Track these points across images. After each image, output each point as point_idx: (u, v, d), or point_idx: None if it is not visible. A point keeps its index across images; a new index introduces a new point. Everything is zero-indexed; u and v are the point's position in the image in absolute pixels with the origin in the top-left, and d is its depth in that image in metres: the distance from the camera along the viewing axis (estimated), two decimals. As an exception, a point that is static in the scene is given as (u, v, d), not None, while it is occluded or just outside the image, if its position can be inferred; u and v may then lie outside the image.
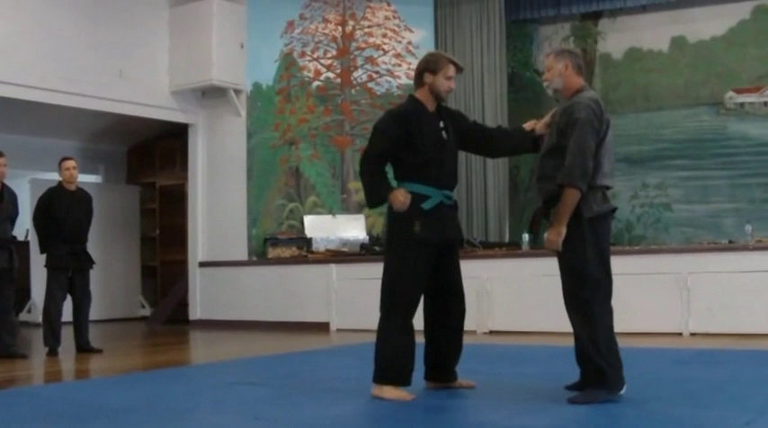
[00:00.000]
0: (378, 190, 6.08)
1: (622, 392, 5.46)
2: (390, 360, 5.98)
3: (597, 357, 5.46)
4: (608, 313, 5.65)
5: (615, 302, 10.08)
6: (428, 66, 6.16)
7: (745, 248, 10.46)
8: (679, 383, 6.30)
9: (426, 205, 5.97)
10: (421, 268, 5.98)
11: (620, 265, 10.70)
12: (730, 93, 13.40)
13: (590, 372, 5.55)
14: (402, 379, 5.97)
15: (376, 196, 6.10)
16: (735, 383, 6.17)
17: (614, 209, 5.75)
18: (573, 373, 5.78)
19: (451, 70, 6.15)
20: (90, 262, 10.22)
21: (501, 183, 13.75)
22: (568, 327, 8.60)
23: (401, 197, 5.93)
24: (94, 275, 10.60)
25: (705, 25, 13.57)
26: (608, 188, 5.70)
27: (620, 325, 10.40)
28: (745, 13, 13.30)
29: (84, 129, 15.14)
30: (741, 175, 13.20)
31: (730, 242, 11.33)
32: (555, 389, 5.98)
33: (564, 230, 5.55)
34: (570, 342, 5.76)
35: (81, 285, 10.07)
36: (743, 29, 13.37)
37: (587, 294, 5.61)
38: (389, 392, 5.91)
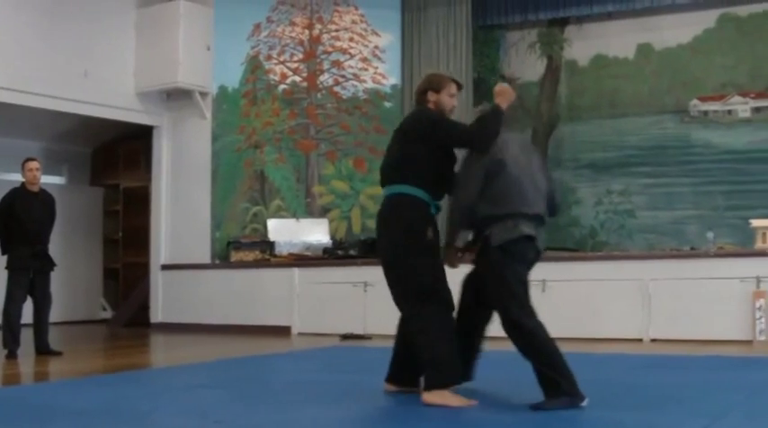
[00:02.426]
0: None
1: (584, 404, 5.45)
2: (449, 361, 5.82)
3: (548, 370, 5.48)
4: (540, 326, 5.78)
5: (578, 307, 10.15)
6: (431, 86, 6.18)
7: (707, 255, 10.50)
8: (637, 389, 6.31)
9: (432, 211, 6.04)
10: (443, 270, 6.01)
11: (582, 271, 10.86)
12: (695, 101, 13.48)
13: (546, 385, 5.54)
14: (456, 381, 5.87)
15: None
16: (692, 389, 6.20)
17: (528, 236, 5.78)
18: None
19: (454, 88, 6.19)
20: (51, 264, 10.14)
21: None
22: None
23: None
24: (56, 277, 10.51)
25: (671, 33, 13.66)
26: (524, 215, 5.79)
27: (582, 330, 10.54)
28: (711, 21, 13.40)
29: (47, 130, 15.03)
30: (704, 183, 13.28)
31: (692, 249, 11.38)
32: (508, 395, 6.00)
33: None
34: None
35: (42, 287, 9.99)
36: (708, 37, 13.46)
37: (515, 312, 5.69)
38: (453, 399, 5.71)
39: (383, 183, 6.14)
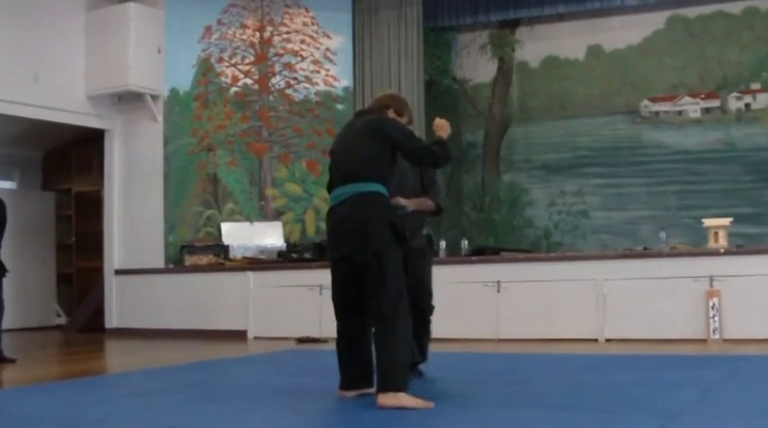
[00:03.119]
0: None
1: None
2: (406, 364, 5.86)
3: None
4: None
5: (533, 308, 10.21)
6: (395, 107, 6.51)
7: (660, 255, 10.57)
8: (591, 389, 6.33)
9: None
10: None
11: (537, 272, 10.92)
12: (645, 102, 13.59)
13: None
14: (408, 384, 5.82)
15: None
16: (647, 388, 6.22)
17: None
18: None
19: (407, 118, 6.57)
20: (3, 270, 10.04)
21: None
22: (488, 333, 8.73)
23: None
24: (8, 283, 10.39)
25: (621, 34, 13.76)
26: None
27: (537, 331, 10.61)
28: (660, 23, 13.52)
29: (-3, 135, 14.94)
30: (657, 183, 13.39)
31: (645, 249, 11.45)
32: (468, 394, 6.02)
33: None
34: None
35: (-7, 293, 9.91)
36: (658, 38, 13.57)
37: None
38: (409, 400, 5.63)
39: (346, 181, 6.04)
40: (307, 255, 12.70)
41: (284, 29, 14.32)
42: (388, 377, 5.65)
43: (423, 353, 7.07)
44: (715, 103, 13.26)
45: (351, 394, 6.14)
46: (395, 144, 6.08)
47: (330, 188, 6.25)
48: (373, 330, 5.86)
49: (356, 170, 6.04)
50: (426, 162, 6.40)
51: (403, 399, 5.59)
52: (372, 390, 5.95)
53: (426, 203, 7.03)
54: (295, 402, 6.22)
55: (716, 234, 10.48)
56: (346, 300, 6.15)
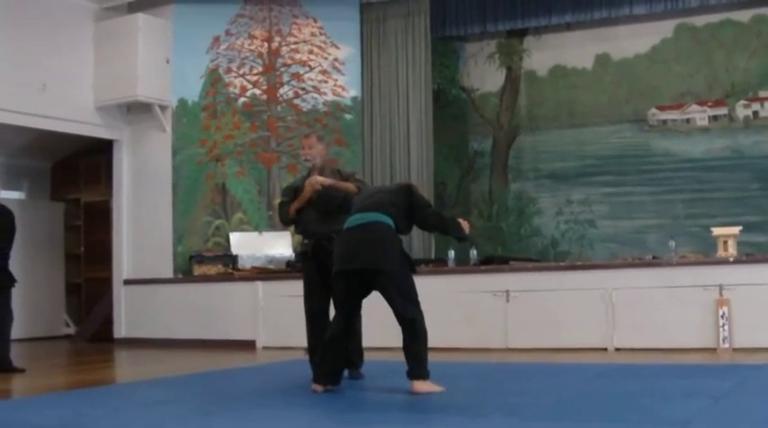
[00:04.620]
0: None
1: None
2: (427, 358, 6.84)
3: None
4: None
5: (541, 317, 10.21)
6: None
7: (669, 264, 10.56)
8: (600, 398, 6.33)
9: None
10: None
11: (545, 281, 10.90)
12: (653, 110, 13.56)
13: None
14: None
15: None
16: (656, 397, 6.22)
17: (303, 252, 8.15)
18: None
19: None
20: (11, 279, 10.06)
21: (427, 199, 13.74)
22: (497, 343, 8.68)
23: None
24: (17, 293, 10.43)
25: (628, 43, 13.74)
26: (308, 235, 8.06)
27: (545, 340, 10.60)
28: (668, 31, 13.48)
29: (6, 145, 14.94)
30: (664, 192, 13.35)
31: (654, 258, 11.43)
32: (477, 404, 6.03)
33: None
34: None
35: (2, 303, 9.90)
36: (665, 47, 13.55)
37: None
38: (434, 386, 6.74)
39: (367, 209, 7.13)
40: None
41: (292, 39, 14.33)
42: (419, 368, 6.71)
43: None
44: (723, 111, 13.23)
45: (321, 388, 7.01)
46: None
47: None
48: (403, 331, 6.84)
49: (381, 205, 7.15)
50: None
51: (430, 386, 6.70)
52: (337, 387, 7.09)
53: (347, 186, 7.95)
54: (304, 411, 6.26)
55: (725, 242, 10.46)
56: (348, 308, 7.08)
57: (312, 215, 7.96)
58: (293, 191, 8.12)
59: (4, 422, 6.13)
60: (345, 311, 7.04)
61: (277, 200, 13.56)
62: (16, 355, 10.12)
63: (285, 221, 8.27)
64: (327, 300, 7.76)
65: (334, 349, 7.00)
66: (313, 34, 14.40)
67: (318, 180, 7.90)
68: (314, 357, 7.68)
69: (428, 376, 6.72)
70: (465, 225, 7.39)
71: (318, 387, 6.95)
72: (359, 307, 7.19)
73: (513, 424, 5.33)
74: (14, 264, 10.27)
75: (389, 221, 6.98)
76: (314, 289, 7.97)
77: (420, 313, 6.82)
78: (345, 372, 7.44)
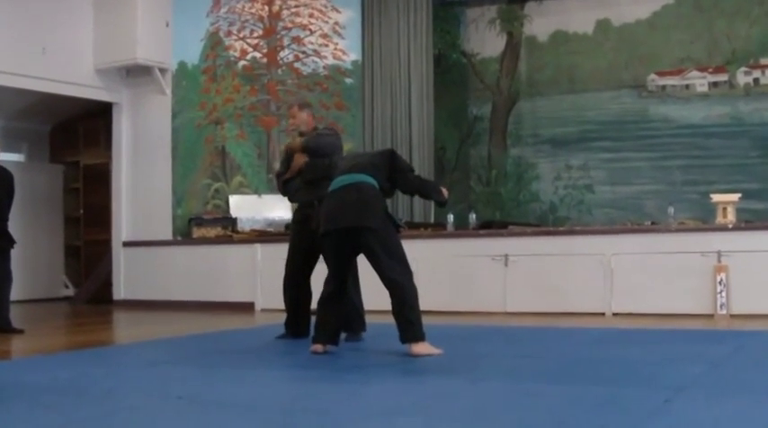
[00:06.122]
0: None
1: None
2: (421, 319, 6.79)
3: None
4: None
5: (540, 282, 10.23)
6: None
7: (668, 230, 10.58)
8: (598, 363, 6.35)
9: None
10: None
11: (544, 246, 10.91)
12: (652, 76, 13.57)
13: None
14: None
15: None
16: (653, 362, 6.24)
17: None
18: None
19: None
20: (11, 241, 10.07)
21: (427, 163, 13.77)
22: (495, 307, 8.73)
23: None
24: (16, 255, 10.45)
25: (629, 9, 13.74)
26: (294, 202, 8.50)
27: (544, 304, 10.63)
28: (669, -3, 13.46)
29: (6, 108, 14.91)
30: (663, 158, 13.37)
31: (653, 223, 11.45)
32: (475, 367, 6.06)
33: None
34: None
35: (1, 265, 9.91)
36: (666, 13, 13.53)
37: None
38: (431, 348, 6.70)
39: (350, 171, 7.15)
40: (314, 228, 12.71)
41: (293, 2, 14.29)
42: (412, 332, 6.67)
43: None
44: (723, 78, 13.22)
45: (321, 348, 6.99)
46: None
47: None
48: (391, 296, 6.79)
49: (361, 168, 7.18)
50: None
51: (429, 348, 6.66)
52: (336, 348, 7.10)
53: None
54: (303, 372, 6.29)
55: (724, 209, 10.46)
56: (338, 269, 7.04)
57: (297, 183, 8.20)
58: (286, 162, 8.35)
59: (4, 382, 6.14)
60: (337, 271, 7.03)
61: (276, 164, 13.62)
62: (15, 317, 10.13)
63: (280, 192, 8.56)
64: (306, 267, 8.18)
65: (329, 309, 7.01)
66: (313, -2, 14.37)
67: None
68: (288, 319, 8.28)
69: (424, 337, 6.69)
70: (444, 191, 7.44)
71: (318, 347, 6.97)
72: (349, 267, 7.21)
73: (512, 387, 5.35)
74: (14, 226, 10.27)
75: (373, 181, 7.03)
76: (294, 254, 8.27)
77: (407, 274, 6.81)
78: (343, 336, 7.47)
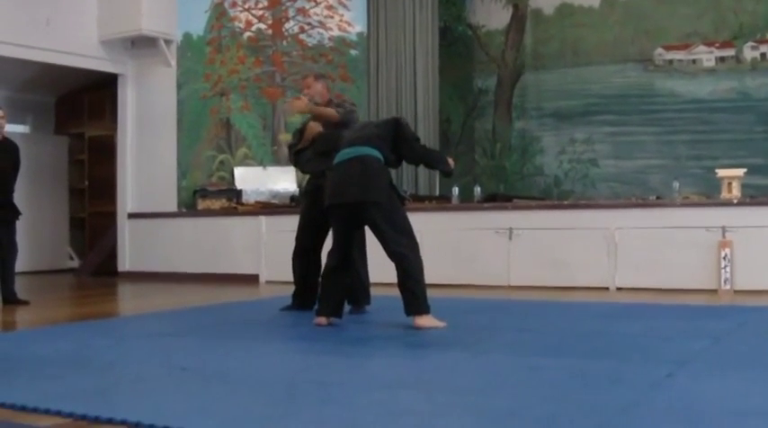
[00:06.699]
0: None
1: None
2: (426, 292, 6.85)
3: None
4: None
5: (544, 256, 10.24)
6: None
7: (673, 205, 10.57)
8: (601, 337, 6.37)
9: None
10: None
11: (549, 220, 10.92)
12: (659, 50, 13.50)
13: None
14: None
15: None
16: (657, 337, 6.25)
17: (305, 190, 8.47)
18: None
19: None
20: (16, 213, 10.07)
21: (432, 136, 13.72)
22: (499, 280, 8.72)
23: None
24: (21, 226, 10.45)
25: (636, -19, 13.66)
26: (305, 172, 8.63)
27: (548, 278, 10.64)
28: (676, -30, 13.40)
29: (11, 79, 14.90)
30: (667, 132, 13.32)
31: (657, 198, 11.44)
32: (479, 340, 6.07)
33: None
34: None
35: (7, 236, 9.90)
36: (673, -14, 13.46)
37: None
38: (435, 321, 6.77)
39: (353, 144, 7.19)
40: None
41: (298, -27, 14.25)
42: (417, 304, 6.73)
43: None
44: (730, 52, 13.15)
45: (325, 321, 7.06)
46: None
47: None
48: (396, 268, 6.80)
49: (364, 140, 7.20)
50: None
51: (432, 320, 6.74)
52: (340, 320, 7.14)
53: (328, 112, 8.10)
54: (307, 344, 6.31)
55: (729, 184, 10.44)
56: (343, 242, 7.06)
57: (309, 154, 8.16)
58: (299, 133, 8.34)
59: (8, 353, 6.17)
60: (341, 244, 7.04)
61: (281, 136, 13.62)
62: (21, 288, 10.16)
63: (292, 163, 8.67)
64: (317, 238, 8.24)
65: (334, 281, 7.05)
66: (319, -31, 14.32)
67: (295, 104, 8.29)
68: (296, 290, 8.41)
69: (428, 310, 6.74)
70: (450, 161, 7.49)
71: (322, 320, 7.00)
72: (355, 240, 7.21)
73: (514, 361, 5.37)
74: (19, 198, 10.28)
75: (378, 154, 7.05)
76: (305, 225, 8.31)
77: (413, 246, 6.85)
78: (347, 309, 7.49)
